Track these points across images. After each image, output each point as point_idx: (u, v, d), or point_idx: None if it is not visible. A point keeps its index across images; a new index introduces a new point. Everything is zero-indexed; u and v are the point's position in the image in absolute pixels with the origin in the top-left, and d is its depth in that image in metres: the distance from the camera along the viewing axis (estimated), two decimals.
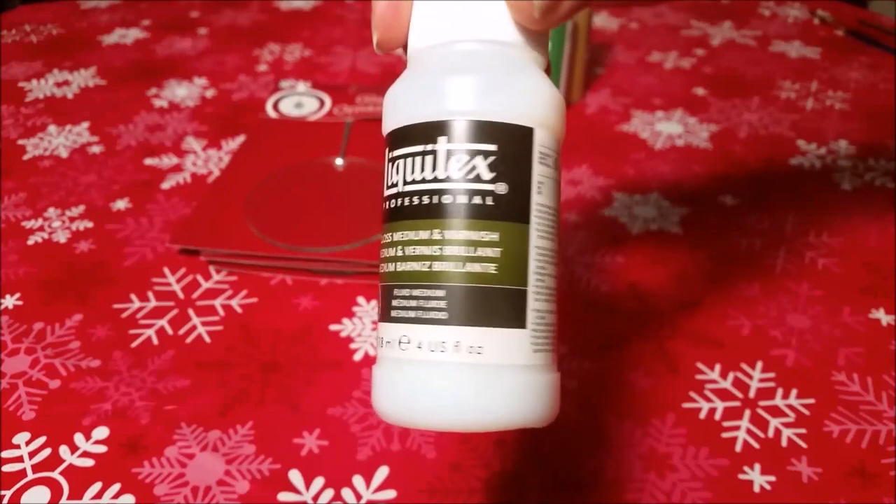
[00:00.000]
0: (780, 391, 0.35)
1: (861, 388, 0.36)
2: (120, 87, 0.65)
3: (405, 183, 0.19)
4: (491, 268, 0.19)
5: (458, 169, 0.19)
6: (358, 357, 0.37)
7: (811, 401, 0.35)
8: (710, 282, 0.42)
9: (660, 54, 0.72)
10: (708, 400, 0.35)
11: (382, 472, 0.32)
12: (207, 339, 0.38)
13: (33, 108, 0.61)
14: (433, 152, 0.19)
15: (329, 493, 0.31)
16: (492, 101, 0.19)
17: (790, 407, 0.35)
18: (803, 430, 0.33)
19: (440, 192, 0.19)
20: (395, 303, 0.19)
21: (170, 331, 0.39)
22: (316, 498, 0.30)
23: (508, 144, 0.19)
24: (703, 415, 0.34)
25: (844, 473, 0.32)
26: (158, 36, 0.76)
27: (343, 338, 0.38)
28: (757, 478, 0.31)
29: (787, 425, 0.34)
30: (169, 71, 0.68)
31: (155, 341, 0.38)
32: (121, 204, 0.49)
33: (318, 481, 0.31)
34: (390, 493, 0.31)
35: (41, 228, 0.46)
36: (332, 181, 0.49)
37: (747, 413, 0.34)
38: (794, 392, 0.35)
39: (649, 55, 0.72)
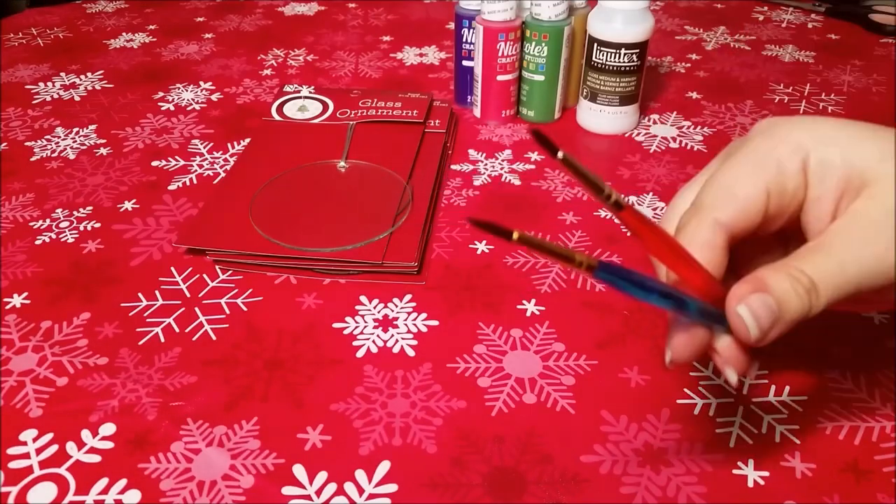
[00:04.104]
0: (773, 388, 0.36)
1: (854, 385, 0.36)
2: (127, 90, 0.65)
3: None
4: None
5: None
6: (360, 354, 0.38)
7: (804, 398, 0.36)
8: None
9: (655, 59, 0.73)
10: (702, 396, 0.36)
11: (384, 467, 0.32)
12: (213, 337, 0.39)
13: (41, 110, 0.62)
14: None
15: (332, 488, 0.31)
16: None
17: (783, 403, 0.35)
18: (796, 427, 0.34)
19: None
20: None
21: (176, 328, 0.39)
22: (319, 492, 0.31)
23: None
24: (697, 411, 0.35)
25: (838, 469, 0.32)
26: (164, 41, 0.77)
27: (346, 335, 0.39)
28: (751, 473, 0.32)
29: (779, 421, 0.34)
30: (175, 75, 0.69)
31: (162, 339, 0.39)
32: (128, 205, 0.49)
33: (322, 475, 0.32)
34: (392, 487, 0.31)
35: (49, 228, 0.47)
36: (335, 183, 0.50)
37: (741, 409, 0.35)
38: (786, 389, 0.36)
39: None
